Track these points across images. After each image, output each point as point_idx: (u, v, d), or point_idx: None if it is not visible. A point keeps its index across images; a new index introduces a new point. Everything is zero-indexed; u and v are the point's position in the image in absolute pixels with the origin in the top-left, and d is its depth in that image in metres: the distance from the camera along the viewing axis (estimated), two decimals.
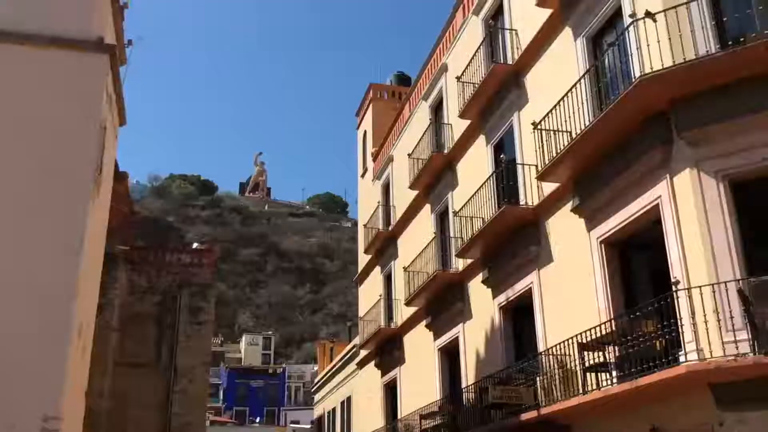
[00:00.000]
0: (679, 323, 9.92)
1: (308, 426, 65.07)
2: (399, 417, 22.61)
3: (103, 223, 15.31)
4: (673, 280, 10.32)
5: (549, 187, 14.53)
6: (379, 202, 27.41)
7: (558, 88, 13.89)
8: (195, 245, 31.03)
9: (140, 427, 25.31)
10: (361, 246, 30.18)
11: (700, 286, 9.73)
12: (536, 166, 14.41)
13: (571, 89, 13.07)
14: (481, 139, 18.41)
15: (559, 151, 13.12)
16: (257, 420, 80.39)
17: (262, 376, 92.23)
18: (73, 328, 12.57)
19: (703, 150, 10.71)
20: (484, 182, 16.95)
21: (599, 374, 11.60)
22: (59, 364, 12.25)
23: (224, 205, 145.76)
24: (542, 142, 13.85)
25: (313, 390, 45.32)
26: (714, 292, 9.59)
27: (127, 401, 25.63)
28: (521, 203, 15.70)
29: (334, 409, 35.84)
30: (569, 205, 13.79)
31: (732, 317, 9.39)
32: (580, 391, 11.96)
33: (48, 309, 12.25)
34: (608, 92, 12.90)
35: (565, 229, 14.09)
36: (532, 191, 15.39)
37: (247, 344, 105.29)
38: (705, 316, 9.51)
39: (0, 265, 12.09)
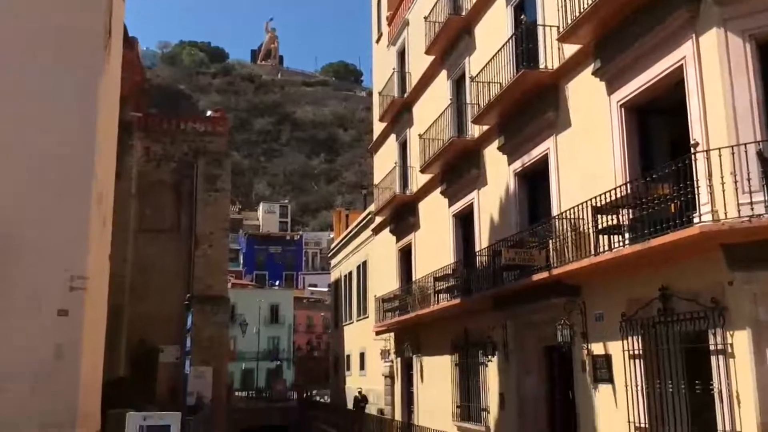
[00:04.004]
0: (695, 185, 9.91)
1: (325, 289, 67.51)
2: (413, 279, 23.30)
3: (115, 89, 15.19)
4: (692, 141, 10.21)
5: (570, 50, 14.12)
6: (394, 69, 26.88)
7: None
8: (209, 113, 30.86)
9: (163, 290, 26.37)
10: (375, 114, 29.92)
11: (719, 148, 9.63)
12: (558, 27, 13.94)
13: None
14: (501, 0, 17.73)
15: (582, 10, 12.64)
16: (276, 284, 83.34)
17: (279, 242, 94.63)
18: (93, 193, 12.78)
19: (730, 9, 10.28)
20: (503, 45, 16.48)
21: (612, 237, 11.74)
22: (82, 228, 12.58)
23: (236, 73, 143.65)
24: (566, 1, 13.32)
25: (329, 255, 46.55)
26: (733, 153, 9.50)
27: (150, 266, 26.59)
28: (541, 67, 15.32)
29: (350, 273, 36.94)
30: (590, 69, 13.45)
31: (749, 179, 9.35)
32: (592, 253, 12.17)
33: (68, 173, 12.43)
34: None
35: (585, 94, 13.82)
36: (552, 54, 14.97)
37: (265, 212, 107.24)
38: (722, 178, 9.47)
39: (17, 136, 12.17)
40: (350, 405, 28.42)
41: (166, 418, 9.92)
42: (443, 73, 21.80)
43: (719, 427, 9.74)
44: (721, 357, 9.81)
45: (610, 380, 12.35)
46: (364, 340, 31.77)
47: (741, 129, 9.80)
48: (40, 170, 12.30)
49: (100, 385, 14.92)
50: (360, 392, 27.81)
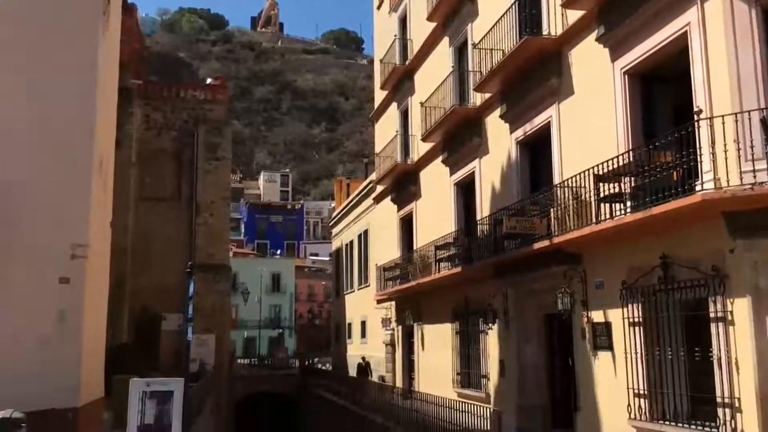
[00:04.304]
0: (698, 153, 9.87)
1: (327, 258, 67.73)
2: (415, 248, 23.35)
3: (114, 55, 15.06)
4: (695, 109, 10.14)
5: (574, 16, 13.96)
6: (395, 36, 26.62)
7: None
8: (208, 81, 30.65)
9: (165, 258, 26.43)
10: (377, 82, 29.72)
11: (722, 115, 9.56)
12: None
13: None
14: None
15: None
16: (278, 253, 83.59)
17: (280, 211, 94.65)
18: (94, 160, 12.74)
19: None
20: (506, 12, 16.29)
21: (613, 205, 11.72)
22: (83, 196, 12.56)
23: (236, 41, 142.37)
24: None
25: (330, 224, 46.61)
26: (736, 121, 9.44)
27: (151, 235, 26.62)
28: (544, 33, 15.15)
29: (351, 242, 37.01)
30: (594, 35, 13.31)
31: (752, 146, 9.29)
32: (593, 221, 12.16)
33: (68, 140, 12.38)
34: None
35: (588, 60, 13.69)
36: (555, 21, 14.79)
37: (265, 181, 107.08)
38: (725, 145, 9.42)
39: (16, 104, 12.10)
40: (353, 372, 28.64)
41: (170, 383, 9.97)
42: (445, 40, 21.60)
43: (718, 393, 9.82)
44: (720, 324, 9.85)
45: (609, 348, 12.43)
46: (365, 308, 31.95)
47: (745, 96, 9.72)
48: (40, 137, 12.24)
49: (103, 351, 15.04)
50: (364, 359, 28.02)
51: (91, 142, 12.57)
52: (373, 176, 30.75)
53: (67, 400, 11.92)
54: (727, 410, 9.63)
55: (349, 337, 36.64)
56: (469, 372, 19.28)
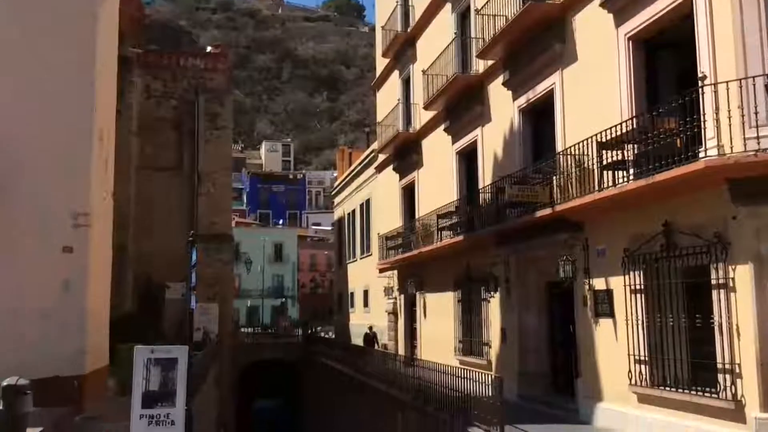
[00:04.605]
0: (702, 120, 9.80)
1: (329, 228, 67.84)
2: (417, 217, 23.36)
3: (113, 23, 14.91)
4: (699, 75, 10.04)
5: None
6: (397, 2, 26.32)
7: None
8: (208, 49, 30.37)
9: (168, 228, 26.43)
10: (378, 49, 29.47)
11: (727, 81, 9.48)
12: None
13: None
14: None
15: None
16: (280, 222, 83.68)
17: (282, 181, 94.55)
18: (95, 129, 12.70)
19: None
20: None
21: (616, 172, 11.68)
22: (85, 165, 12.54)
23: (236, 8, 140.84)
24: None
25: (332, 194, 46.58)
26: (741, 87, 9.36)
27: (153, 205, 26.58)
28: None
29: (353, 212, 37.02)
30: (598, 0, 13.14)
31: (756, 113, 9.23)
32: (596, 188, 12.13)
33: (68, 109, 12.33)
34: None
35: (592, 26, 13.54)
36: None
37: (267, 151, 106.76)
38: (729, 111, 9.35)
39: (16, 72, 12.03)
40: (359, 342, 28.76)
41: (174, 351, 10.02)
42: (447, 6, 21.36)
43: (718, 359, 9.88)
44: (722, 291, 9.87)
45: (611, 315, 12.48)
46: (367, 277, 32.07)
47: (750, 62, 9.62)
48: (40, 108, 12.19)
49: (107, 320, 15.14)
50: (371, 329, 28.03)
51: (92, 112, 12.52)
52: (374, 145, 30.65)
53: (72, 368, 12.04)
54: (728, 376, 9.70)
55: (352, 306, 36.84)
56: (470, 340, 19.41)
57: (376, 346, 26.54)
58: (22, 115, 12.10)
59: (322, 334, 41.19)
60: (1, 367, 8.76)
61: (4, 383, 7.97)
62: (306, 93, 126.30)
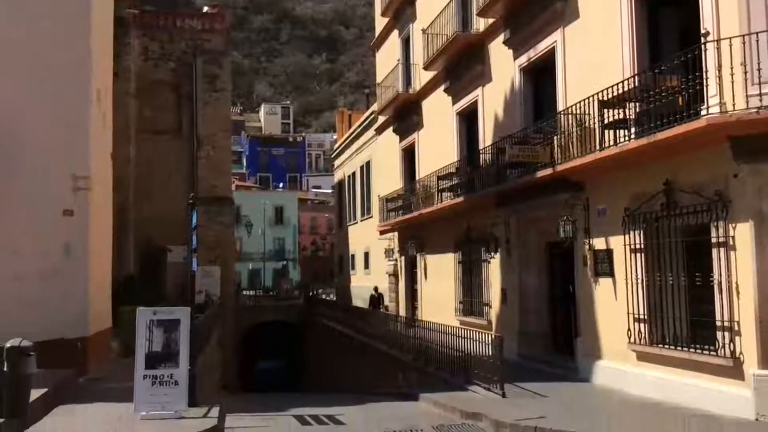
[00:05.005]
0: (704, 77, 9.69)
1: (329, 191, 67.82)
2: (417, 179, 23.31)
3: None
4: (702, 31, 9.90)
5: None
6: None
7: None
8: (205, 9, 29.98)
9: (169, 191, 26.44)
10: (377, 8, 29.09)
11: (730, 38, 9.35)
12: None
13: None
14: None
15: None
16: (280, 185, 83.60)
17: (282, 144, 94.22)
18: (92, 90, 12.60)
19: None
20: None
21: (617, 131, 11.60)
22: (83, 127, 12.48)
23: None
24: None
25: (332, 156, 46.45)
26: (744, 43, 9.23)
27: (153, 168, 26.54)
28: None
29: (353, 174, 36.96)
30: None
31: (759, 69, 9.12)
32: (597, 148, 12.06)
33: (65, 70, 12.22)
34: None
35: None
36: None
37: (266, 113, 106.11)
38: (732, 68, 9.24)
39: (12, 36, 11.90)
40: (362, 304, 28.88)
41: (176, 312, 10.10)
42: None
43: (717, 317, 9.93)
44: (722, 249, 9.88)
45: (610, 274, 12.53)
46: (368, 239, 32.15)
47: (753, 18, 9.47)
48: (36, 69, 12.07)
49: (110, 283, 15.23)
50: (376, 290, 27.88)
51: (88, 73, 12.41)
52: (374, 107, 30.45)
53: (76, 330, 12.16)
54: (726, 334, 9.76)
55: (353, 268, 37.01)
56: (471, 300, 19.53)
57: (382, 308, 26.60)
58: (19, 79, 12.00)
59: (324, 297, 41.47)
60: (4, 330, 8.82)
61: (8, 344, 8.02)
62: (305, 54, 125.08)
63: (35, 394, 8.93)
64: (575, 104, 13.03)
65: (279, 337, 35.39)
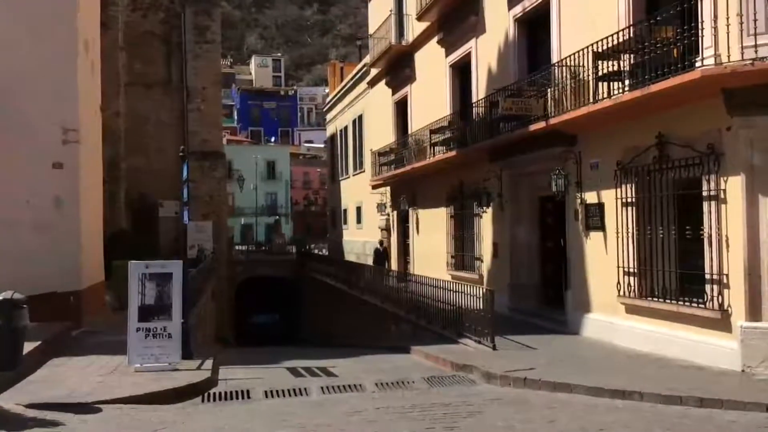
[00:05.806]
0: (699, 28, 9.57)
1: (321, 146, 67.46)
2: (409, 132, 23.18)
3: None
4: None
5: None
6: None
7: None
8: None
9: (159, 145, 26.21)
10: None
11: None
12: None
13: None
14: None
15: None
16: (272, 140, 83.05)
17: (274, 97, 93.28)
18: (78, 40, 12.37)
19: None
20: None
21: (612, 83, 11.50)
22: (70, 79, 12.30)
23: None
24: None
25: (324, 110, 46.05)
26: None
27: (144, 121, 26.25)
28: None
29: (346, 128, 36.71)
30: None
31: (755, 20, 9.01)
32: (591, 101, 11.98)
33: (50, 22, 11.99)
34: None
35: None
36: None
37: (257, 66, 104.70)
38: (728, 19, 9.12)
39: None
40: (363, 259, 28.74)
41: (168, 265, 10.13)
42: None
43: (706, 270, 10.01)
44: (713, 203, 9.90)
45: (601, 228, 12.58)
46: (360, 194, 32.11)
47: None
48: (22, 20, 11.82)
49: (101, 236, 15.21)
50: (381, 244, 27.08)
51: (74, 21, 12.17)
52: (367, 59, 30.09)
53: (69, 284, 12.19)
54: (715, 286, 9.85)
55: (345, 223, 37.04)
56: (463, 255, 19.63)
57: (388, 262, 25.99)
58: (4, 31, 11.76)
59: (316, 251, 41.58)
60: None
61: (0, 297, 8.04)
62: (296, 5, 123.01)
63: (29, 347, 9.00)
64: (569, 56, 12.89)
65: (273, 292, 35.61)
